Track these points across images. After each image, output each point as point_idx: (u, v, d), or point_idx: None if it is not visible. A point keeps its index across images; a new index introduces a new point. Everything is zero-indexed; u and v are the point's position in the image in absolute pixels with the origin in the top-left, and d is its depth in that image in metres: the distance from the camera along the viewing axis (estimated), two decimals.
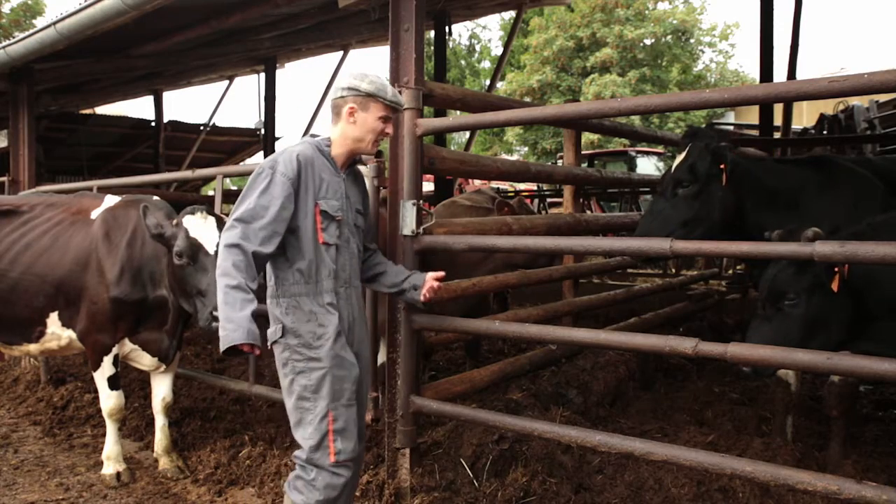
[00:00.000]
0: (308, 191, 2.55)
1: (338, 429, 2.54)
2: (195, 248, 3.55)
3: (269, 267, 2.66)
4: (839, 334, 2.75)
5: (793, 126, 9.34)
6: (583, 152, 9.85)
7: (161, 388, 4.14)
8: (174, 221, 3.69)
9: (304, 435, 2.59)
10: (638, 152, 15.68)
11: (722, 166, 3.37)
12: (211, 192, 7.88)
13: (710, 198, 3.41)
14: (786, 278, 2.70)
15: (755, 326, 2.78)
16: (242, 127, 15.85)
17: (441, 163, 3.56)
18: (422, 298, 2.90)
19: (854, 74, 2.35)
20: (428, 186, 11.17)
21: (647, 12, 24.60)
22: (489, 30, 40.68)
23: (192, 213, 3.64)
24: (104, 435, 4.08)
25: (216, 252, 3.54)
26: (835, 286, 2.56)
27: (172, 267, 3.64)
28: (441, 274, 2.94)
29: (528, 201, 14.68)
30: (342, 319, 2.63)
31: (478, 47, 32.77)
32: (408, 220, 3.30)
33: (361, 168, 3.09)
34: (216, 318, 3.41)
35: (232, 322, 2.37)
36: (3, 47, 6.26)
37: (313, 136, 2.78)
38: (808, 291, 2.66)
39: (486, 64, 32.07)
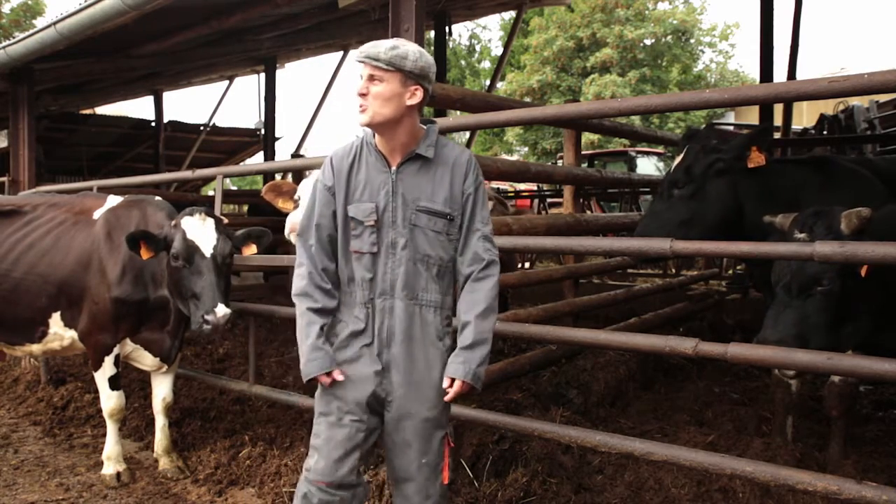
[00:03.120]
0: (340, 195, 2.36)
1: (314, 444, 2.38)
2: (191, 251, 3.53)
3: None
4: (868, 322, 2.73)
5: (793, 126, 9.34)
6: (583, 152, 9.84)
7: (161, 389, 4.14)
8: (173, 222, 3.68)
9: None
10: (638, 152, 15.66)
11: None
12: (211, 193, 7.88)
13: (706, 199, 3.43)
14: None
15: (775, 314, 2.67)
16: (242, 127, 15.87)
17: None
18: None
19: (854, 74, 2.36)
20: None
21: (647, 12, 24.59)
22: (489, 30, 40.69)
23: (191, 214, 3.63)
24: (104, 435, 4.08)
25: (213, 255, 3.57)
26: (863, 271, 2.51)
27: (169, 268, 3.64)
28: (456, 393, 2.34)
29: (526, 203, 14.63)
30: (369, 332, 2.34)
31: (478, 47, 32.76)
32: None
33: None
34: (207, 322, 3.43)
35: (303, 356, 2.33)
36: (3, 47, 6.27)
37: None
38: (841, 276, 2.59)
39: (486, 64, 32.05)
